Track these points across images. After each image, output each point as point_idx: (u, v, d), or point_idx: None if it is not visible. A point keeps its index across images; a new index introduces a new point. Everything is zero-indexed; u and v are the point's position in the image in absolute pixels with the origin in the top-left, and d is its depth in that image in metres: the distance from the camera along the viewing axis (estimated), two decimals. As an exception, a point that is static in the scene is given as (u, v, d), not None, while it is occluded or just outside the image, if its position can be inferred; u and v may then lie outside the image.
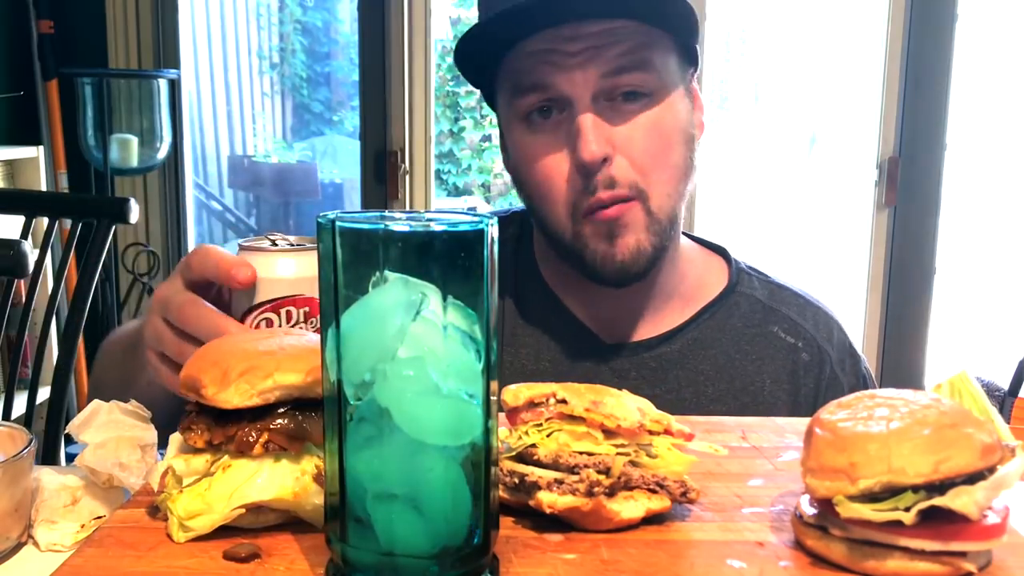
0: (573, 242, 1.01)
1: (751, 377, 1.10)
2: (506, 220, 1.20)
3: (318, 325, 0.64)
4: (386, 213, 0.58)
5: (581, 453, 0.66)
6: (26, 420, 1.67)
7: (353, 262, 0.55)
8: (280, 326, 0.78)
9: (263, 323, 0.78)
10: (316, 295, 0.59)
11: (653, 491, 0.67)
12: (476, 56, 1.04)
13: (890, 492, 0.58)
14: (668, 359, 1.10)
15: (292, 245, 0.82)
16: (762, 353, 1.11)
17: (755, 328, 1.13)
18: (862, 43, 3.04)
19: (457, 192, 3.55)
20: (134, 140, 3.05)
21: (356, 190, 3.19)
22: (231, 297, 0.81)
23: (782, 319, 1.13)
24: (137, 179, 3.25)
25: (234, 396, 0.64)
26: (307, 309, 0.78)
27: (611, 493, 0.65)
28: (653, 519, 0.68)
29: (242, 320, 0.78)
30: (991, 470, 0.59)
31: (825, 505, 0.61)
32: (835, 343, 1.14)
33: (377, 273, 0.55)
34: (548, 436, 0.67)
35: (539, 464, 0.67)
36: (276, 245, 0.81)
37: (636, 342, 1.10)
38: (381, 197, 3.09)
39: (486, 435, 0.57)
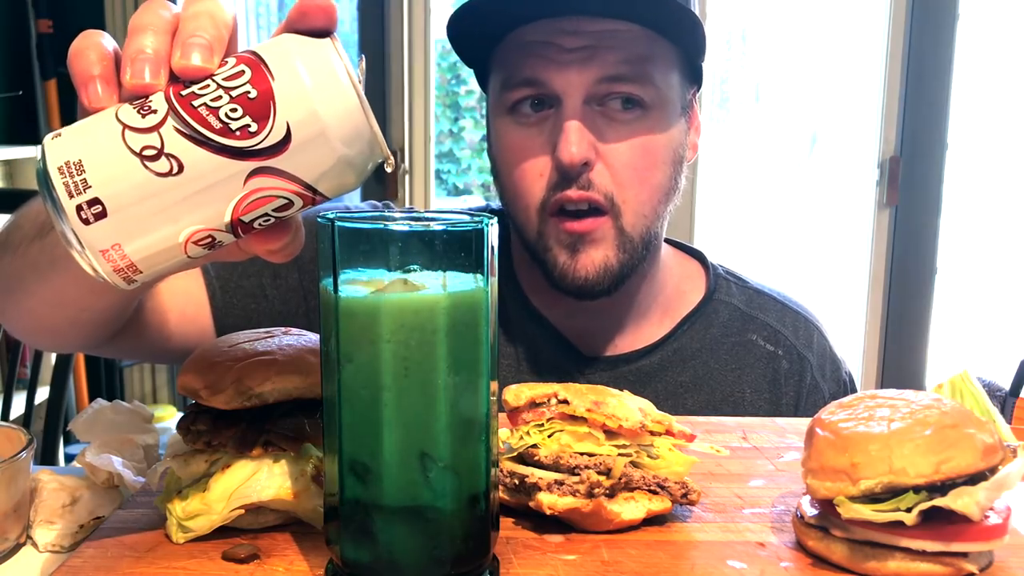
0: (536, 242, 0.98)
1: (731, 387, 1.09)
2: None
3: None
4: (385, 212, 0.57)
5: (582, 454, 0.66)
6: (25, 420, 1.67)
7: (353, 262, 0.55)
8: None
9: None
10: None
11: (654, 492, 0.67)
12: (469, 37, 1.00)
13: (891, 493, 0.58)
14: (646, 372, 1.08)
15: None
16: (741, 362, 1.10)
17: (734, 337, 1.11)
18: (863, 42, 3.04)
19: (457, 192, 3.55)
20: (134, 140, 3.03)
21: (356, 190, 3.19)
22: None
23: (761, 326, 1.12)
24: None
25: (231, 399, 0.64)
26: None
27: (612, 494, 0.65)
28: (654, 520, 0.68)
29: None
30: (992, 471, 0.58)
31: (826, 506, 0.61)
32: (815, 349, 1.12)
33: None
34: (549, 436, 0.67)
35: (539, 465, 0.67)
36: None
37: (615, 356, 1.08)
38: (380, 197, 3.09)
39: (486, 436, 0.57)
